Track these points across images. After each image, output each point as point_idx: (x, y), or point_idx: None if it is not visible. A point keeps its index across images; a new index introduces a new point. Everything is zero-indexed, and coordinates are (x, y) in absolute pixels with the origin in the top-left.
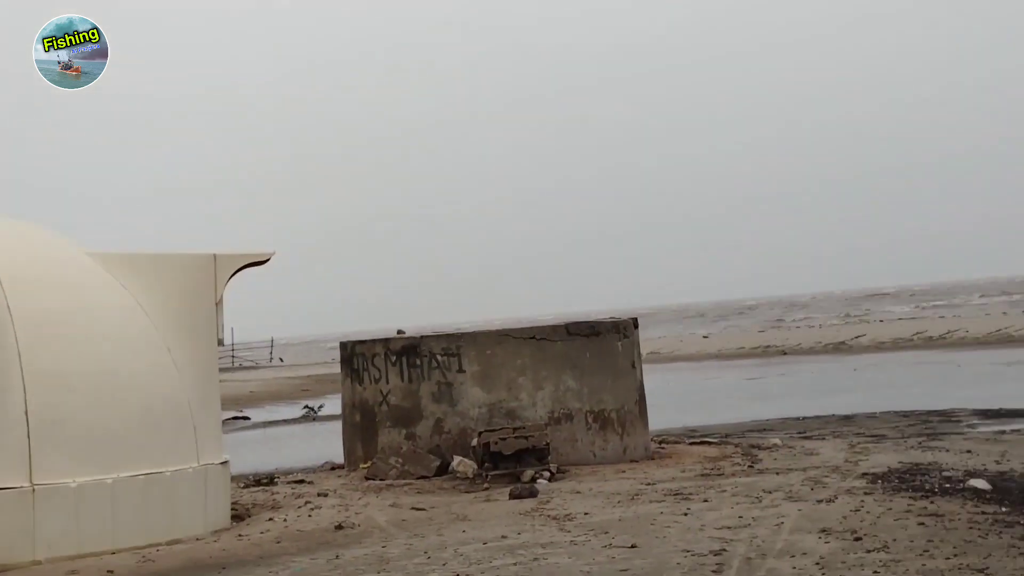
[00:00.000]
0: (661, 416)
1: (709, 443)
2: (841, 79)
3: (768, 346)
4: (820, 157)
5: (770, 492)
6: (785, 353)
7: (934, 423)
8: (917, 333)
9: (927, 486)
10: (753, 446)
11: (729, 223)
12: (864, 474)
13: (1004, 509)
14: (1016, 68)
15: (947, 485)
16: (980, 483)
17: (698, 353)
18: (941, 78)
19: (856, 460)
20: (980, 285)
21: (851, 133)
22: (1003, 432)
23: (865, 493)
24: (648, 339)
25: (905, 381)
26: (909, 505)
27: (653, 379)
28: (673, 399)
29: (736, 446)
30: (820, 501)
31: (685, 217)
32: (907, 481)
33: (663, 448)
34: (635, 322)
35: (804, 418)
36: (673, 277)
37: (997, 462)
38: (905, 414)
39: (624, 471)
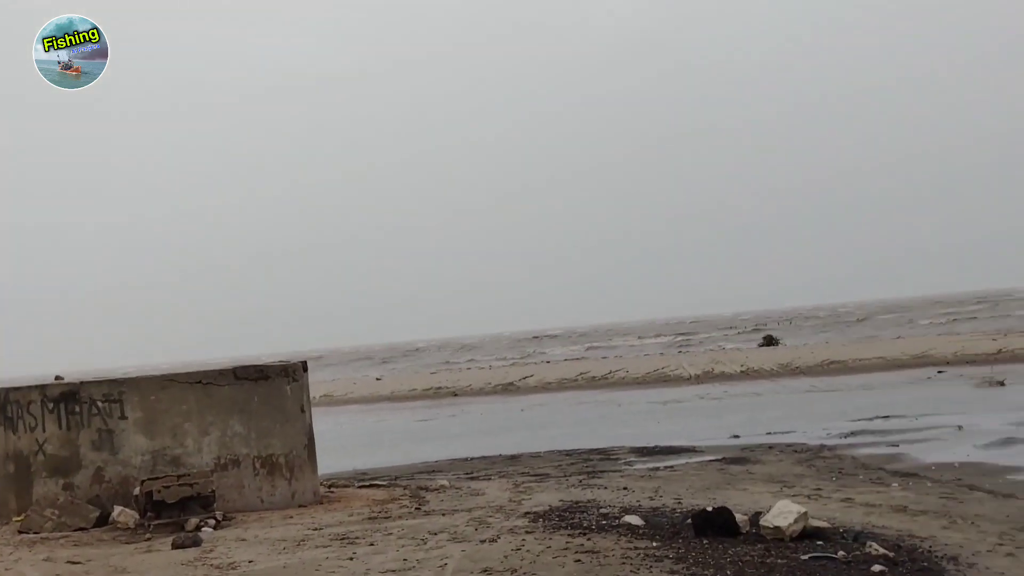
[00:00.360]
0: (332, 460)
1: (378, 486)
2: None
3: (440, 387)
4: (476, 199)
5: (435, 533)
6: (456, 394)
7: (595, 461)
8: (581, 374)
9: (585, 523)
10: (421, 488)
11: (390, 264)
12: (527, 513)
13: (655, 544)
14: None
15: (604, 522)
16: (634, 519)
17: (371, 395)
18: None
19: (520, 499)
20: (637, 327)
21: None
22: (657, 469)
23: (527, 532)
24: (321, 382)
25: (569, 421)
26: (567, 542)
27: (325, 422)
28: (345, 442)
29: (405, 488)
30: (483, 541)
31: (347, 259)
32: (567, 519)
33: (332, 492)
34: (304, 365)
35: (472, 459)
36: (343, 319)
37: (651, 498)
38: (568, 453)
39: (292, 516)
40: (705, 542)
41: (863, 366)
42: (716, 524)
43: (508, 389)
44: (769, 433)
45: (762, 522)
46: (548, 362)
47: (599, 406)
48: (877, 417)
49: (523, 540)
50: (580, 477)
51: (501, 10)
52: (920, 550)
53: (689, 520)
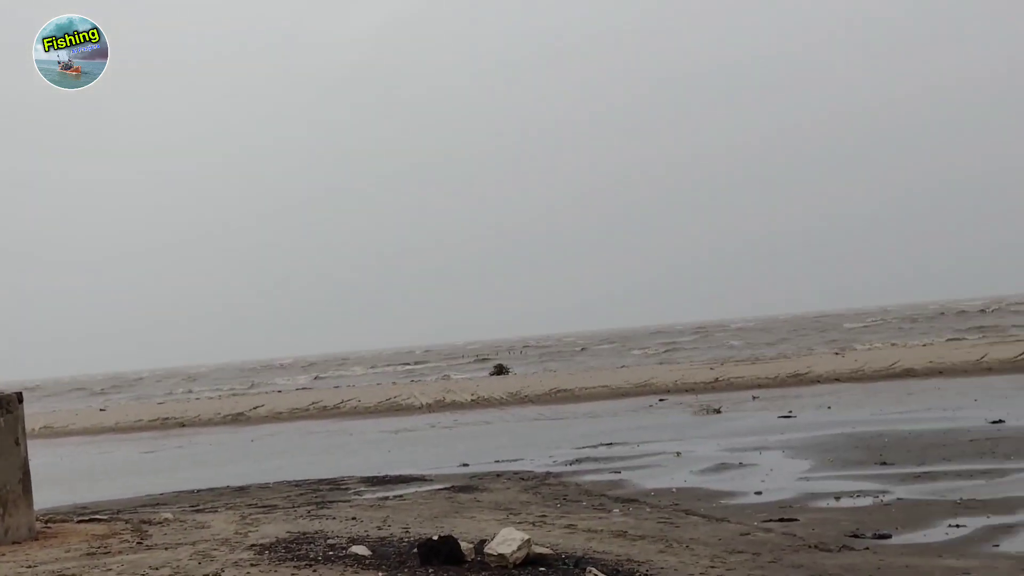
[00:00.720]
0: (51, 494)
1: (99, 520)
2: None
3: (167, 418)
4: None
5: (157, 568)
6: (184, 425)
7: (324, 491)
8: (313, 403)
9: (312, 555)
10: (144, 522)
11: (109, 290)
12: (253, 545)
13: (381, 574)
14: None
15: (331, 553)
16: (361, 549)
17: (94, 427)
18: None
19: (246, 532)
20: (367, 356)
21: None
22: (387, 498)
23: (252, 564)
24: (39, 413)
25: (300, 450)
26: (293, 574)
27: (45, 455)
28: (66, 475)
29: (126, 522)
30: (206, 575)
31: (61, 284)
32: (293, 551)
33: (49, 527)
34: (19, 396)
35: (198, 491)
36: (52, 349)
37: (379, 528)
38: (298, 483)
39: (4, 554)
40: (431, 571)
41: (589, 394)
42: (442, 553)
43: (238, 419)
44: (497, 461)
45: (487, 550)
46: (279, 392)
47: (331, 436)
48: (601, 444)
49: (247, 573)
50: (309, 508)
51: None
52: (637, 574)
53: (415, 549)
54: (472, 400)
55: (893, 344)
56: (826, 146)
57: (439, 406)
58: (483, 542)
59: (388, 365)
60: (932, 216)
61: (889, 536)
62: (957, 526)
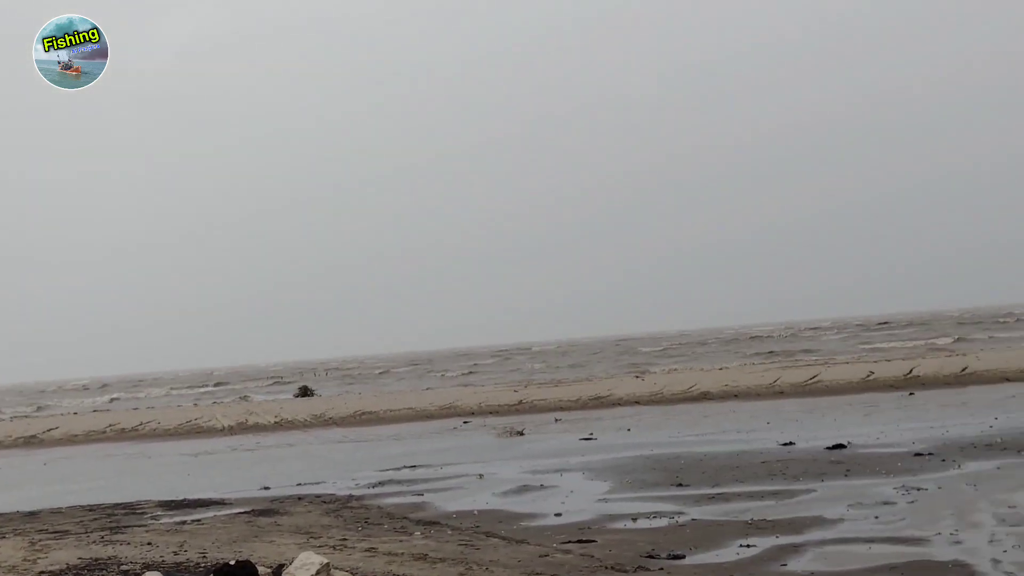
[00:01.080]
0: None
1: None
2: None
3: None
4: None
5: None
6: None
7: (119, 516)
8: (110, 425)
9: None
10: None
11: None
12: (41, 573)
13: None
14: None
15: None
16: (156, 575)
17: None
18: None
19: (35, 559)
20: (166, 377)
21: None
22: (184, 522)
23: None
24: None
25: (96, 474)
26: None
27: None
28: None
29: None
30: None
31: None
32: None
33: None
34: None
35: None
36: None
37: (175, 553)
38: (91, 508)
39: None
40: None
41: (394, 417)
42: None
43: (30, 442)
44: (299, 484)
45: (284, 574)
46: (75, 413)
47: (129, 459)
48: (405, 467)
49: None
50: (102, 533)
51: None
52: None
53: (212, 575)
54: (275, 422)
55: (691, 368)
56: (633, 196)
57: (241, 428)
58: (281, 566)
59: (187, 387)
60: (724, 249)
61: (683, 556)
62: (748, 546)
